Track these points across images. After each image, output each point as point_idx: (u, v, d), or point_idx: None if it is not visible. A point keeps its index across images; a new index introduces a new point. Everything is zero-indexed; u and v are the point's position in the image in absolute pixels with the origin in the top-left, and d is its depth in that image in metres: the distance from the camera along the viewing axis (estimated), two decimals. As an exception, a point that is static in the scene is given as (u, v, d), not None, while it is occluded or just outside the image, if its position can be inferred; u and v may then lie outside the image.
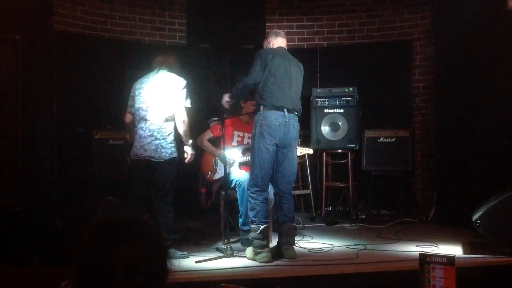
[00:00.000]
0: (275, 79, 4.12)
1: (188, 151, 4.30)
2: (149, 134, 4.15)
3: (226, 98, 4.46)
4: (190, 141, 4.28)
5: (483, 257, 3.94)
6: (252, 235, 4.06)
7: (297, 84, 4.27)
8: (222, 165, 4.44)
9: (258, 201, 4.07)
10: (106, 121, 5.76)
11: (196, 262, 3.89)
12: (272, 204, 4.37)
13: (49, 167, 5.47)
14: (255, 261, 3.94)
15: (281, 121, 4.08)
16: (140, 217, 1.38)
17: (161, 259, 1.31)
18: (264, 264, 3.88)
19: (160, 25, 6.61)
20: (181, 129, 4.19)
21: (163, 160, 4.14)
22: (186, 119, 4.18)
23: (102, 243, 1.26)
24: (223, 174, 4.36)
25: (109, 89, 6.04)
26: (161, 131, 4.14)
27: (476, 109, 5.28)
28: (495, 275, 3.78)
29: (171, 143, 4.18)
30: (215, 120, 4.67)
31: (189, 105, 4.23)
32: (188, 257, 4.04)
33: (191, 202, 5.51)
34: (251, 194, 4.11)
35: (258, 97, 4.16)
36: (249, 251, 4.05)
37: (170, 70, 4.28)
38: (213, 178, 4.78)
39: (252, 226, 4.08)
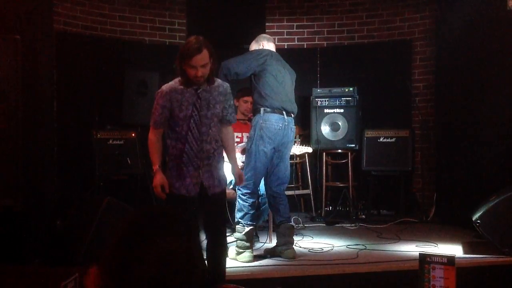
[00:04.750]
0: (276, 80, 4.13)
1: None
2: None
3: None
4: (154, 168, 3.27)
5: (483, 257, 3.94)
6: (236, 235, 4.08)
7: (292, 88, 4.31)
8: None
9: (247, 204, 4.08)
10: (106, 121, 5.76)
11: None
12: (267, 204, 4.38)
13: (49, 167, 5.47)
14: (237, 260, 3.97)
15: (281, 125, 4.09)
16: (180, 213, 1.38)
17: (195, 257, 1.31)
18: (247, 264, 3.90)
19: (160, 25, 6.61)
20: None
21: None
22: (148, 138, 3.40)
23: (141, 234, 1.26)
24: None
25: (109, 89, 6.04)
26: None
27: (476, 109, 5.28)
28: (495, 275, 3.79)
29: None
30: None
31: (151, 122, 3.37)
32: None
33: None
34: (241, 196, 4.11)
35: (258, 96, 4.13)
36: (231, 250, 4.07)
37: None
38: None
39: (237, 226, 4.10)
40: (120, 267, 1.24)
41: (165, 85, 3.30)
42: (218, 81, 3.39)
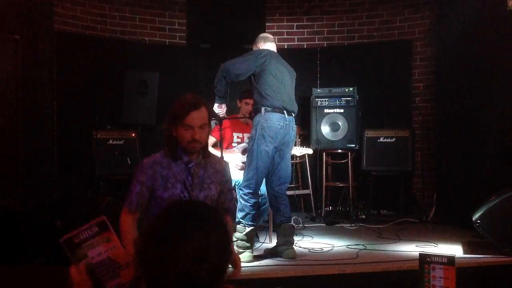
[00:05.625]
0: (276, 80, 4.12)
1: None
2: None
3: (215, 108, 4.20)
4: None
5: (483, 257, 3.94)
6: (237, 235, 4.06)
7: (292, 87, 4.30)
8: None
9: (249, 204, 4.08)
10: (106, 121, 5.76)
11: None
12: (267, 204, 4.37)
13: (49, 167, 5.47)
14: None
15: (282, 124, 4.09)
16: (215, 208, 1.38)
17: (227, 251, 1.32)
18: (247, 264, 3.87)
19: (160, 25, 6.61)
20: None
21: None
22: None
23: (179, 227, 1.27)
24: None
25: (109, 89, 6.04)
26: None
27: (476, 109, 5.28)
28: (495, 275, 3.78)
29: None
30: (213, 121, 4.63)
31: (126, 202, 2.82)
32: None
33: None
34: (243, 196, 4.09)
35: (259, 96, 4.13)
36: None
37: None
38: None
39: (238, 226, 4.08)
40: (153, 259, 1.24)
41: (147, 157, 2.66)
42: (215, 156, 2.80)
